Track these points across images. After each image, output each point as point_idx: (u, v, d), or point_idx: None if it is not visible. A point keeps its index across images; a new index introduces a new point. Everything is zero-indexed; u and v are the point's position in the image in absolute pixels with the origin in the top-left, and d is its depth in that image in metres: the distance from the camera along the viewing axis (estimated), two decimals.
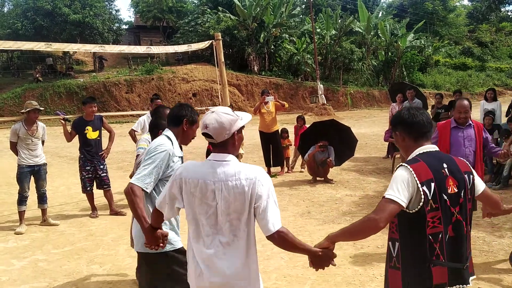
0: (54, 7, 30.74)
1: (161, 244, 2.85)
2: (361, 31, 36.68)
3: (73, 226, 7.04)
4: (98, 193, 7.74)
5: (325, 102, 28.65)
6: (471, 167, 2.56)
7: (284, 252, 5.37)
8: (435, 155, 2.49)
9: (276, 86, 31.59)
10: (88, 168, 7.34)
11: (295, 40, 35.01)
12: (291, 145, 11.00)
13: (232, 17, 32.52)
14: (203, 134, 2.43)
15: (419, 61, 37.82)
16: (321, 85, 29.02)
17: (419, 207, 2.35)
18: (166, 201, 2.53)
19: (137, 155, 4.49)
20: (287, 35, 34.79)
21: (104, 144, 7.64)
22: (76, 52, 31.95)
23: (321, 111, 26.72)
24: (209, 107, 11.16)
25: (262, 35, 32.20)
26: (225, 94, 9.45)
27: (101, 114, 7.90)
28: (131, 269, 4.95)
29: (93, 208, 7.56)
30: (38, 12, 30.91)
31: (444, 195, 2.37)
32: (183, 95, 29.83)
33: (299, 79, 34.06)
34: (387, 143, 11.25)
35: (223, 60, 9.33)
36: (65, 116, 7.63)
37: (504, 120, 10.43)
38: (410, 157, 2.52)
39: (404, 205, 2.33)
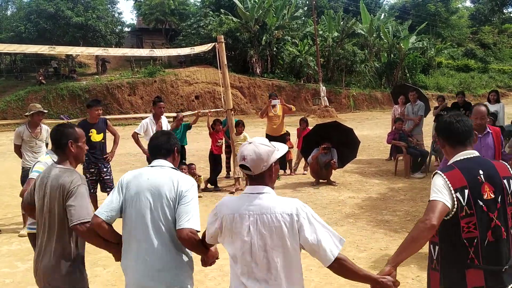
0: (57, 10, 30.82)
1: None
2: (363, 33, 36.68)
3: None
4: (102, 196, 7.76)
5: (328, 104, 28.68)
6: (511, 172, 2.60)
7: None
8: (473, 161, 2.56)
9: (278, 88, 31.59)
10: (92, 170, 7.35)
11: (297, 42, 35.03)
12: (292, 147, 11.01)
13: (234, 19, 32.57)
14: (240, 166, 2.37)
15: (422, 63, 37.77)
16: (324, 87, 29.05)
17: (453, 213, 2.45)
18: (212, 235, 2.50)
19: (29, 178, 3.90)
20: (289, 37, 34.80)
21: (109, 147, 7.66)
22: (79, 55, 32.04)
23: (323, 113, 26.75)
24: (211, 110, 11.18)
25: (264, 38, 32.24)
26: (228, 97, 9.46)
27: (105, 117, 7.92)
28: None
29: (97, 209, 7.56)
30: (41, 15, 30.99)
31: (479, 201, 2.45)
32: (186, 97, 29.87)
33: (302, 81, 34.07)
34: (390, 145, 11.26)
35: (226, 62, 9.35)
36: (69, 121, 7.65)
37: (507, 121, 10.42)
38: (448, 163, 2.63)
39: (449, 205, 2.43)
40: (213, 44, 9.57)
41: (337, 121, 10.84)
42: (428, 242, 2.63)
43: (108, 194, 7.64)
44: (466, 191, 2.44)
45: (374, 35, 36.93)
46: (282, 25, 33.56)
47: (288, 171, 10.80)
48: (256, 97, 31.41)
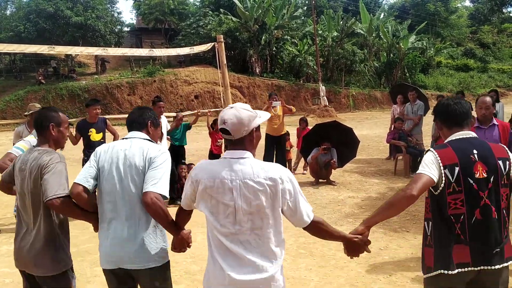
0: (57, 10, 30.80)
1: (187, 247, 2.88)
2: (363, 32, 36.69)
3: (77, 228, 7.03)
4: None
5: (327, 104, 28.69)
6: (508, 154, 2.64)
7: (286, 253, 5.38)
8: (468, 140, 2.62)
9: (278, 88, 31.59)
10: None
11: (297, 42, 35.04)
12: (292, 147, 11.01)
13: (233, 19, 32.57)
14: (221, 130, 2.38)
15: (421, 63, 37.78)
16: (323, 87, 29.06)
17: (440, 188, 2.54)
18: (189, 199, 2.52)
19: (8, 152, 4.36)
20: (289, 37, 34.80)
21: None
22: (78, 54, 32.04)
23: (323, 113, 26.75)
24: (211, 109, 11.18)
25: (263, 37, 32.23)
26: (227, 96, 9.47)
27: (104, 116, 7.93)
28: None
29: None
30: (40, 15, 30.97)
31: (470, 179, 2.51)
32: (185, 97, 29.86)
33: (301, 81, 34.07)
34: (389, 144, 11.26)
35: (225, 62, 9.36)
36: (69, 120, 7.63)
37: (506, 121, 10.43)
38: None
39: (435, 179, 2.52)
40: (213, 43, 9.58)
41: (337, 121, 10.83)
42: (423, 220, 2.77)
43: None
44: (457, 168, 2.51)
45: (373, 35, 36.93)
46: (282, 25, 33.55)
47: None
48: (255, 96, 31.40)
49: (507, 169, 2.59)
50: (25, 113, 6.98)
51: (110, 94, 28.44)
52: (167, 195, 2.76)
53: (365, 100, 34.91)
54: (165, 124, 8.16)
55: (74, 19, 30.95)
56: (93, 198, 2.91)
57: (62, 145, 3.28)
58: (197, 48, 10.72)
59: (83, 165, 7.42)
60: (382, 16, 40.83)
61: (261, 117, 2.45)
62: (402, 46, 35.67)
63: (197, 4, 41.85)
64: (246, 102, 31.04)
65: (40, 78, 29.05)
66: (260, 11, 32.17)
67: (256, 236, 2.35)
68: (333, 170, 9.60)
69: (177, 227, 2.75)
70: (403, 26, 39.17)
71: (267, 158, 10.28)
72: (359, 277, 4.83)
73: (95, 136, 7.34)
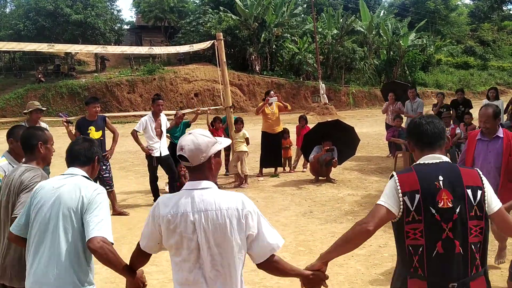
0: (56, 8, 30.77)
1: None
2: (363, 30, 36.65)
3: None
4: None
5: (327, 101, 28.67)
6: (482, 181, 2.36)
7: (286, 251, 5.39)
8: (436, 165, 2.38)
9: (278, 86, 31.58)
10: None
11: (296, 39, 35.00)
12: (291, 145, 11.01)
13: (233, 17, 32.54)
14: (178, 156, 2.28)
15: (421, 60, 37.73)
16: (323, 85, 29.02)
17: (399, 216, 2.33)
18: (152, 240, 2.37)
19: None
20: (288, 35, 34.77)
21: (108, 145, 7.65)
22: (78, 52, 32.01)
23: (323, 110, 26.75)
24: (211, 107, 11.18)
25: (263, 35, 32.20)
26: (227, 94, 9.46)
27: (104, 114, 7.92)
28: None
29: None
30: (40, 13, 30.94)
31: (431, 209, 2.27)
32: (185, 95, 29.86)
33: (301, 79, 34.04)
34: (389, 142, 11.26)
35: (225, 60, 9.34)
36: (68, 118, 7.62)
37: (505, 117, 10.42)
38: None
39: (394, 210, 2.32)
40: (212, 41, 9.56)
41: (339, 120, 10.82)
42: (388, 238, 2.62)
43: (107, 192, 7.67)
44: (417, 196, 2.28)
45: (373, 33, 36.88)
46: (281, 23, 33.53)
47: (287, 169, 10.81)
48: (255, 94, 31.38)
49: (478, 199, 2.30)
50: (24, 111, 6.98)
51: (110, 92, 28.43)
52: (112, 239, 2.58)
53: (365, 98, 34.90)
54: (164, 122, 8.15)
55: (74, 17, 30.91)
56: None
57: (48, 161, 3.36)
58: (197, 46, 10.70)
59: None
60: (382, 13, 40.74)
61: (221, 143, 2.38)
62: (402, 44, 35.63)
63: (197, 2, 41.78)
64: (246, 100, 31.11)
65: (39, 76, 29.05)
66: (260, 8, 32.14)
67: (216, 272, 2.25)
68: (333, 168, 9.60)
69: (131, 270, 2.58)
70: (403, 23, 39.11)
71: (264, 156, 10.26)
72: (358, 274, 4.83)
73: (94, 134, 7.33)
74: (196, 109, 9.84)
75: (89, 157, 2.87)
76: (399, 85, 13.48)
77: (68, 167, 2.85)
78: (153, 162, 8.03)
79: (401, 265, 2.42)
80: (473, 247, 2.29)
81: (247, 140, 9.59)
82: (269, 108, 9.99)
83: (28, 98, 23.62)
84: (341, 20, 35.77)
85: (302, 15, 37.06)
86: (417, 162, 2.46)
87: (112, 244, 2.57)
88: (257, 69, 32.98)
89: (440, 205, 2.26)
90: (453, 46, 44.39)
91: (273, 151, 10.22)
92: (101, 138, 7.44)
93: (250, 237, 2.26)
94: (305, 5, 41.47)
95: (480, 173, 2.40)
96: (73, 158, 2.87)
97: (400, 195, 2.31)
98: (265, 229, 2.28)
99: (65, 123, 7.38)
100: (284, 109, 10.23)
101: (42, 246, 2.65)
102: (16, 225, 2.78)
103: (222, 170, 10.48)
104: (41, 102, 24.60)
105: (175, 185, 8.26)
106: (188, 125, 9.31)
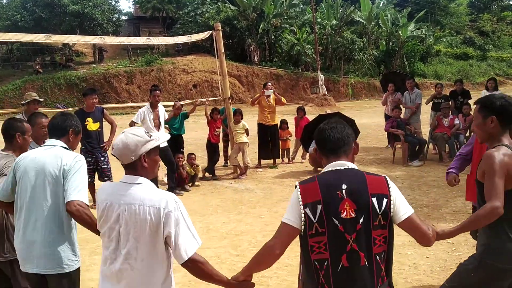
0: None
1: None
2: (362, 21, 36.51)
3: None
4: (99, 185, 7.75)
5: (326, 92, 28.59)
6: (389, 188, 2.21)
7: None
8: (340, 173, 2.23)
9: (276, 77, 31.48)
10: (89, 159, 7.31)
11: (295, 30, 34.85)
12: (291, 136, 10.99)
13: (232, 7, 32.36)
14: (112, 154, 2.39)
15: (420, 51, 37.65)
16: (322, 76, 28.94)
17: (302, 230, 2.19)
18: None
19: None
20: (287, 25, 34.62)
21: (106, 136, 7.63)
22: (75, 43, 31.87)
23: (322, 101, 26.69)
24: (209, 99, 11.14)
25: (262, 25, 32.04)
26: (225, 85, 9.43)
27: (102, 105, 7.89)
28: None
29: (95, 199, 7.56)
30: (37, 3, 30.75)
31: (334, 220, 2.13)
32: (184, 86, 29.76)
33: (300, 70, 33.95)
34: (387, 133, 11.23)
35: (223, 50, 9.30)
36: (66, 109, 7.60)
37: None
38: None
39: (296, 225, 2.19)
40: (210, 32, 9.51)
41: (340, 112, 10.80)
42: None
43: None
44: (319, 207, 2.14)
45: (373, 23, 36.76)
46: (280, 13, 33.35)
47: (286, 160, 10.80)
48: (254, 85, 31.29)
49: (383, 208, 2.15)
50: (22, 102, 6.95)
51: (108, 84, 28.33)
52: (87, 202, 2.89)
53: (364, 89, 34.84)
54: (162, 113, 8.13)
55: (71, 7, 30.71)
56: (10, 205, 3.14)
57: (25, 150, 3.54)
58: (195, 36, 10.64)
59: (80, 153, 7.42)
60: (381, 4, 40.58)
61: (156, 141, 2.40)
62: (401, 35, 35.52)
63: None
64: (244, 92, 31.03)
65: (37, 67, 28.92)
66: None
67: (128, 266, 2.29)
68: None
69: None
70: (402, 14, 38.97)
71: (262, 148, 10.24)
72: None
73: (92, 125, 7.31)
74: (194, 100, 9.81)
75: (63, 128, 3.15)
76: (398, 75, 13.41)
77: (49, 139, 3.16)
78: None
79: (308, 282, 2.27)
80: (378, 258, 2.18)
81: (247, 131, 9.58)
82: (266, 101, 9.96)
83: (26, 90, 23.54)
84: (340, 10, 35.62)
85: (301, 6, 36.86)
86: (323, 169, 2.31)
87: (88, 206, 2.84)
88: (256, 60, 32.86)
89: (343, 216, 2.13)
90: (452, 37, 44.30)
91: (271, 143, 10.20)
92: (99, 129, 7.43)
93: (168, 237, 2.27)
94: None
95: (388, 179, 2.24)
96: (51, 131, 3.19)
97: (301, 207, 2.17)
98: (182, 231, 2.27)
99: None
100: (279, 102, 10.20)
101: (31, 211, 2.95)
102: (2, 191, 3.10)
103: (221, 161, 10.48)
104: (39, 93, 24.50)
105: (173, 176, 8.25)
106: (186, 116, 9.29)
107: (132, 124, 7.93)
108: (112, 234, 2.32)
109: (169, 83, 29.32)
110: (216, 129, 9.64)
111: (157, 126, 7.97)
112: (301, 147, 10.51)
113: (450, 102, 10.71)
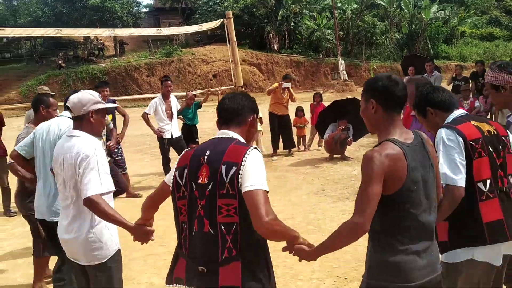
0: None
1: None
2: (383, 3, 35.84)
3: None
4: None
5: (347, 78, 28.20)
6: (244, 158, 2.12)
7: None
8: (213, 141, 2.29)
9: (297, 64, 31.23)
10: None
11: (315, 15, 34.42)
12: (307, 123, 10.85)
13: None
14: (65, 107, 3.07)
15: (444, 33, 36.73)
16: (342, 61, 28.52)
17: (171, 191, 2.33)
18: None
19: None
20: (307, 11, 34.24)
21: (119, 129, 7.68)
22: (97, 38, 32.24)
23: (342, 87, 26.36)
24: (222, 88, 11.12)
25: (281, 12, 31.76)
26: (238, 74, 9.39)
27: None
28: (143, 249, 5.00)
29: None
30: None
31: (193, 184, 2.20)
32: (203, 76, 29.83)
33: (320, 56, 33.59)
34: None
35: (234, 39, 9.24)
36: None
37: None
38: None
39: (169, 184, 2.34)
40: (221, 20, 9.45)
41: (356, 98, 10.64)
42: None
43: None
44: (185, 171, 2.23)
45: (394, 6, 36.04)
46: None
47: (302, 147, 10.70)
48: (274, 73, 31.12)
49: (230, 175, 2.10)
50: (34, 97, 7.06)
51: (129, 76, 28.63)
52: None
53: None
54: (174, 104, 8.15)
55: (91, 1, 31.05)
56: (27, 164, 3.73)
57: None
58: (206, 25, 10.63)
59: None
60: None
61: (104, 104, 2.88)
62: (424, 17, 34.71)
63: None
64: (264, 80, 30.88)
65: (60, 62, 29.41)
66: None
67: (64, 202, 2.87)
68: (348, 146, 9.47)
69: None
70: None
71: (274, 136, 10.11)
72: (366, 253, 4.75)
73: None
74: (207, 90, 9.79)
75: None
76: (419, 58, 13.13)
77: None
78: (164, 144, 8.04)
79: (178, 242, 2.34)
80: (223, 227, 2.11)
81: (260, 120, 9.50)
82: (282, 93, 9.83)
83: (49, 85, 23.92)
84: None
85: None
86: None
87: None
88: (276, 48, 32.63)
89: (199, 181, 2.18)
90: (477, 17, 43.04)
91: (285, 134, 10.07)
92: (111, 121, 7.47)
93: (78, 176, 2.70)
94: None
95: (252, 151, 2.16)
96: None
97: (173, 171, 2.32)
98: (90, 173, 2.65)
99: None
100: (291, 97, 10.02)
101: (47, 181, 3.56)
102: (22, 146, 3.68)
103: None
104: (62, 87, 24.99)
105: None
106: (199, 106, 9.28)
107: (145, 115, 7.98)
108: (59, 179, 2.86)
109: (189, 74, 29.43)
110: None
111: (170, 117, 7.99)
112: (317, 134, 10.40)
113: (470, 84, 10.42)
